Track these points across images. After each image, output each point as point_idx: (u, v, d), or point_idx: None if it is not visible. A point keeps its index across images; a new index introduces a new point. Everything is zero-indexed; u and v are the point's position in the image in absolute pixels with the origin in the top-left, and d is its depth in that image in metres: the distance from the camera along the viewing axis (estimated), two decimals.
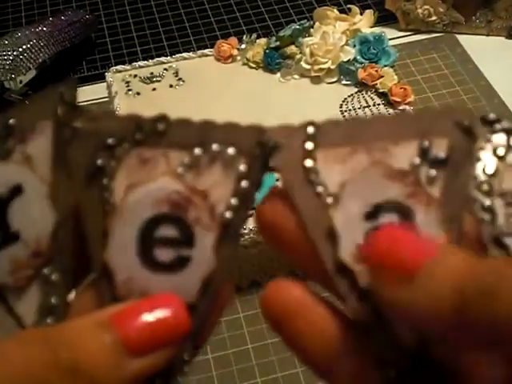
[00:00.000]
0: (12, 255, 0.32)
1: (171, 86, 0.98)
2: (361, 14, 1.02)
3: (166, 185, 0.31)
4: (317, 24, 1.00)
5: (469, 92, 1.07)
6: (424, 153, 0.31)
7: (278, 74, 0.98)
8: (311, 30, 1.00)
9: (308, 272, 0.32)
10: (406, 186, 0.31)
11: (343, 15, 1.02)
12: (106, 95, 1.00)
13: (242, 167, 0.31)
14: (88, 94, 1.10)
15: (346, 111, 0.93)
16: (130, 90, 0.97)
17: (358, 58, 0.97)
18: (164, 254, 0.31)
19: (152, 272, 0.31)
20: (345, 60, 0.96)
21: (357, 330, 0.31)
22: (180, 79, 0.99)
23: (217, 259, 0.31)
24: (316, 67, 0.96)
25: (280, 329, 0.32)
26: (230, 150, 0.32)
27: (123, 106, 0.94)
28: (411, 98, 0.93)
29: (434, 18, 1.15)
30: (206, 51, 1.02)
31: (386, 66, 0.97)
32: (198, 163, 0.31)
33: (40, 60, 1.09)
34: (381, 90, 0.94)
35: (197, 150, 0.31)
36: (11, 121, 0.32)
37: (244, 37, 1.02)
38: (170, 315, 0.29)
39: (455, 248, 0.28)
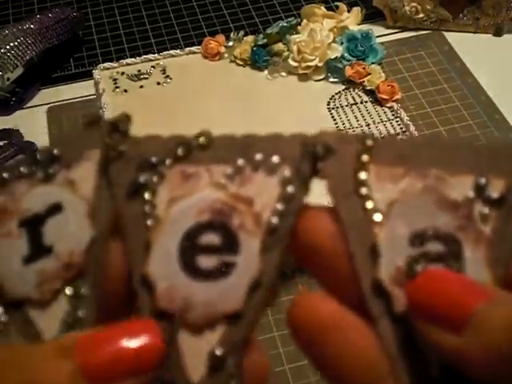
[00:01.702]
0: (41, 268, 0.31)
1: (158, 83, 0.98)
2: (348, 11, 1.02)
3: (208, 194, 0.31)
4: (304, 21, 1.00)
5: (456, 89, 1.08)
6: (479, 189, 0.30)
7: (266, 72, 0.99)
8: (298, 27, 1.00)
9: (337, 289, 0.30)
10: (457, 217, 0.30)
11: (331, 13, 1.02)
12: (94, 92, 0.99)
13: (287, 172, 0.31)
14: (75, 91, 1.10)
15: (333, 108, 0.93)
16: (117, 87, 0.97)
17: (346, 55, 0.97)
18: (207, 261, 0.30)
19: (195, 280, 0.30)
20: (332, 57, 0.96)
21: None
22: (167, 76, 0.99)
23: (263, 264, 0.30)
24: (303, 64, 0.96)
25: (312, 349, 0.30)
26: (274, 158, 0.31)
27: (110, 104, 0.94)
28: (398, 96, 0.93)
29: (421, 15, 1.15)
30: (194, 48, 1.02)
31: (373, 63, 0.97)
32: (242, 173, 0.31)
33: (27, 57, 1.09)
34: (368, 88, 0.94)
35: (240, 161, 0.31)
36: (56, 151, 0.32)
37: (231, 34, 1.02)
38: (142, 346, 0.27)
39: (507, 293, 0.27)
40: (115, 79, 0.98)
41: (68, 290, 0.31)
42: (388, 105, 0.93)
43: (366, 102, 0.94)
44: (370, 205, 0.30)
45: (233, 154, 0.32)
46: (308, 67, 0.96)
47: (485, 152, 0.31)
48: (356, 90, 0.95)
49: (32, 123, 1.05)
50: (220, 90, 0.97)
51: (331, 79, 0.97)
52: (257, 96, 0.95)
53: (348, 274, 0.30)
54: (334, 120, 0.91)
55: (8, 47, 1.06)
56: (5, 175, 0.32)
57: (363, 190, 0.30)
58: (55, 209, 0.31)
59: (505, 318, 0.25)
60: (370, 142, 0.31)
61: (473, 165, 0.31)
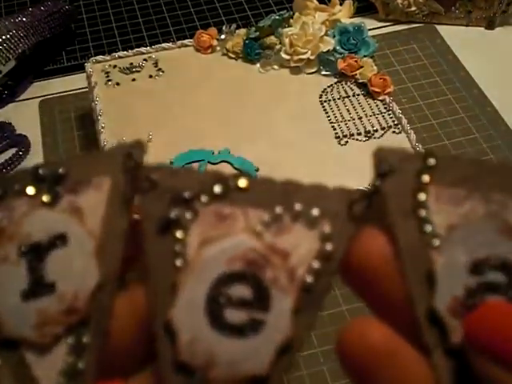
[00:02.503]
0: (42, 307, 0.29)
1: (151, 76, 0.98)
2: (340, 4, 1.02)
3: (242, 242, 0.29)
4: (296, 14, 1.00)
5: (448, 82, 1.08)
6: None
7: (258, 65, 0.98)
8: (291, 20, 1.00)
9: (389, 314, 0.29)
10: None
11: (323, 6, 1.01)
12: (86, 85, 0.99)
13: (327, 228, 0.30)
14: (67, 84, 1.10)
15: (325, 101, 0.93)
16: (109, 80, 0.97)
17: (338, 48, 0.97)
18: (235, 316, 0.29)
19: (220, 334, 0.29)
20: (324, 50, 0.96)
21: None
22: (159, 70, 0.98)
23: (294, 326, 0.29)
24: (295, 57, 0.96)
25: (361, 376, 0.28)
26: (315, 211, 0.30)
27: (102, 97, 0.94)
28: (391, 89, 0.93)
29: (413, 8, 1.16)
30: (186, 42, 1.02)
31: (365, 56, 0.97)
32: (279, 222, 0.30)
33: (19, 50, 1.08)
34: (360, 81, 0.94)
35: (278, 209, 0.30)
36: (61, 169, 0.31)
37: (224, 27, 1.02)
38: None
39: None
40: (107, 72, 0.98)
41: (69, 339, 0.29)
42: (380, 98, 0.93)
43: (358, 94, 0.94)
44: (428, 228, 0.29)
45: (272, 200, 0.30)
46: (300, 60, 0.96)
47: None
48: (348, 83, 0.95)
49: (24, 116, 1.05)
50: (212, 83, 0.96)
51: (323, 72, 0.97)
52: (249, 89, 0.95)
53: (401, 300, 0.29)
54: (326, 113, 0.91)
55: (0, 40, 1.06)
56: (2, 190, 0.31)
57: (422, 212, 0.29)
58: (59, 240, 0.30)
59: None
60: (432, 161, 0.30)
61: None
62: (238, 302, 0.29)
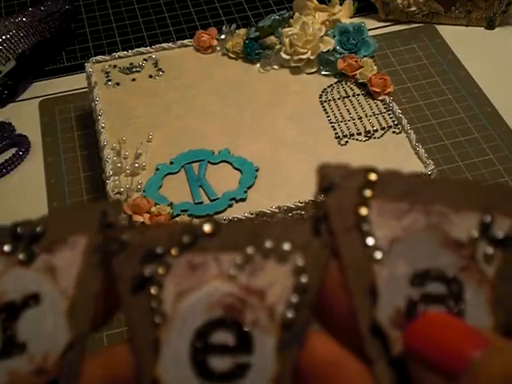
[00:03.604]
0: (12, 367, 0.29)
1: (151, 76, 0.98)
2: (340, 4, 1.02)
3: (218, 288, 0.29)
4: (296, 14, 1.00)
5: (448, 82, 1.08)
6: (484, 228, 0.29)
7: (258, 65, 0.98)
8: (291, 20, 1.00)
9: (336, 328, 0.30)
10: (460, 257, 0.29)
11: (323, 6, 1.02)
12: (86, 85, 0.99)
13: (300, 261, 0.29)
14: (67, 84, 1.10)
15: (325, 101, 0.93)
16: (109, 80, 0.97)
17: (338, 48, 0.97)
18: (220, 363, 0.29)
19: (208, 383, 0.29)
20: (324, 50, 0.96)
21: None
22: (159, 69, 0.98)
23: (279, 364, 0.29)
24: (295, 57, 0.96)
25: None
26: (285, 246, 0.30)
27: (102, 97, 0.94)
28: (391, 89, 0.93)
29: (413, 8, 1.16)
30: (186, 42, 1.02)
31: (365, 56, 0.97)
32: (252, 262, 0.30)
33: (19, 50, 1.08)
34: (360, 81, 0.94)
35: (249, 249, 0.30)
36: (39, 228, 0.31)
37: (224, 27, 1.02)
38: None
39: (505, 341, 0.26)
40: (107, 72, 0.98)
41: None
42: (380, 98, 0.93)
43: (358, 94, 0.94)
44: (370, 241, 0.29)
45: (241, 241, 0.30)
46: (300, 60, 0.96)
47: (491, 190, 0.30)
48: (348, 83, 0.95)
49: (24, 116, 1.05)
50: (212, 83, 0.96)
51: (323, 72, 0.97)
52: (249, 89, 0.95)
53: (346, 313, 0.29)
54: (326, 113, 0.91)
55: (0, 40, 1.06)
56: None
57: (364, 226, 0.30)
58: (33, 299, 0.30)
59: (502, 367, 0.25)
60: (373, 177, 0.30)
61: (478, 202, 0.30)
62: (221, 349, 0.29)
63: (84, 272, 0.30)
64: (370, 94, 0.93)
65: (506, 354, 0.25)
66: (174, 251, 0.30)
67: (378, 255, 0.29)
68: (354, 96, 0.94)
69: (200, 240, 0.30)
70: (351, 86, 0.95)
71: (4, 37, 1.07)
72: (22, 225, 0.31)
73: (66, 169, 0.98)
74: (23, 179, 0.97)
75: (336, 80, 0.96)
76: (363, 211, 0.30)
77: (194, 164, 0.85)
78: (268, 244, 0.30)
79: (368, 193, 0.30)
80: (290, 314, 0.29)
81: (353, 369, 0.28)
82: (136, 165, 0.84)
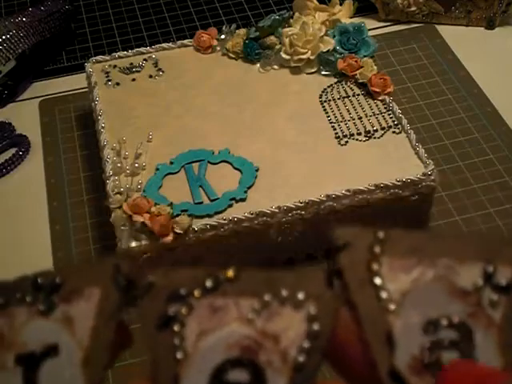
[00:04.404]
0: None
1: (151, 76, 0.98)
2: (340, 4, 1.02)
3: (236, 330, 0.32)
4: (296, 14, 1.00)
5: (448, 82, 1.08)
6: (488, 277, 0.32)
7: (258, 65, 0.98)
8: (291, 20, 1.00)
9: (350, 373, 0.32)
10: (467, 305, 0.31)
11: (323, 6, 1.02)
12: (86, 86, 0.99)
13: (312, 310, 0.32)
14: (68, 84, 1.11)
15: (325, 101, 0.93)
16: (109, 80, 0.97)
17: (338, 48, 0.97)
18: None
19: None
20: (324, 50, 0.96)
21: None
22: (159, 70, 0.98)
23: None
24: (295, 57, 0.96)
25: None
26: (300, 295, 0.32)
27: (102, 97, 0.94)
28: (391, 89, 0.93)
29: (413, 8, 1.16)
30: (186, 42, 1.02)
31: (365, 56, 0.97)
32: (268, 308, 0.32)
33: (19, 50, 1.08)
34: (360, 81, 0.94)
35: (266, 296, 0.32)
36: (58, 279, 0.33)
37: (224, 27, 1.02)
38: None
39: None
40: (107, 72, 0.98)
41: None
42: (380, 98, 0.92)
43: (358, 94, 0.94)
44: (384, 295, 0.32)
45: (260, 288, 0.32)
46: (300, 60, 0.97)
47: (491, 240, 0.33)
48: (348, 83, 0.95)
49: (24, 116, 1.05)
50: (212, 83, 0.97)
51: (323, 72, 0.97)
52: (249, 89, 0.95)
53: (361, 361, 0.31)
54: (326, 113, 0.91)
55: (0, 40, 1.06)
56: (3, 300, 0.33)
57: (377, 280, 0.32)
58: (52, 350, 0.32)
59: None
60: (381, 235, 0.33)
61: (480, 253, 0.32)
62: None
63: (98, 323, 0.32)
64: (370, 94, 0.93)
65: None
66: (197, 293, 0.32)
67: (392, 307, 0.31)
68: (353, 96, 0.94)
69: (222, 284, 0.32)
70: (351, 85, 0.95)
71: (4, 37, 1.07)
72: (42, 275, 0.33)
73: (65, 169, 0.98)
74: (23, 179, 0.97)
75: (336, 80, 0.96)
76: (375, 266, 0.32)
77: (193, 164, 0.85)
78: (284, 292, 0.32)
79: (378, 249, 0.32)
80: (301, 358, 0.31)
81: None
82: (136, 165, 0.84)
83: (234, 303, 0.32)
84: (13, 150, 1.00)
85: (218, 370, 0.31)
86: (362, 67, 0.95)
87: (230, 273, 0.33)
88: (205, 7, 1.24)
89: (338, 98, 0.93)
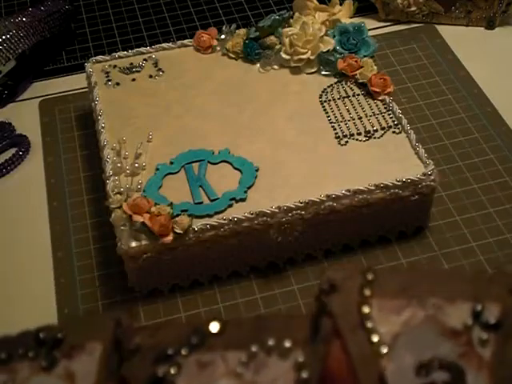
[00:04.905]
0: None
1: (151, 76, 0.98)
2: (340, 4, 1.02)
3: None
4: (296, 14, 1.00)
5: (448, 82, 1.08)
6: (477, 315, 0.32)
7: (258, 65, 0.98)
8: (291, 20, 1.00)
9: None
10: (458, 345, 0.31)
11: (323, 6, 1.02)
12: (86, 86, 0.99)
13: (300, 357, 0.32)
14: (68, 84, 1.11)
15: (325, 101, 0.93)
16: (109, 80, 0.97)
17: (338, 48, 0.97)
18: None
19: None
20: (324, 50, 0.96)
21: None
22: (159, 69, 0.98)
23: None
24: (295, 57, 0.96)
25: None
26: (287, 343, 0.32)
27: (102, 97, 0.94)
28: (391, 89, 0.93)
29: (413, 8, 1.16)
30: (186, 42, 1.02)
31: (365, 56, 0.97)
32: (256, 359, 0.32)
33: (19, 50, 1.09)
34: (360, 81, 0.94)
35: (253, 347, 0.32)
36: (59, 334, 0.33)
37: (224, 27, 1.02)
38: None
39: None
40: (107, 72, 0.98)
41: None
42: (380, 98, 0.92)
43: (358, 94, 0.94)
44: (375, 338, 0.32)
45: (246, 340, 0.32)
46: (300, 60, 0.97)
47: (479, 278, 0.33)
48: (348, 83, 0.95)
49: (24, 116, 1.05)
50: (212, 83, 0.97)
51: (323, 72, 0.97)
52: (249, 89, 0.95)
53: None
54: (326, 113, 0.91)
55: (0, 40, 1.06)
56: (5, 355, 0.32)
57: (368, 324, 0.32)
58: None
59: None
60: (370, 276, 0.33)
61: (469, 292, 0.32)
62: None
63: (100, 378, 0.32)
64: (370, 94, 0.93)
65: None
66: (184, 351, 0.32)
67: (384, 350, 0.32)
68: (354, 96, 0.94)
69: (207, 339, 0.32)
70: (351, 85, 0.95)
71: (4, 37, 1.07)
72: (44, 330, 0.33)
73: (65, 169, 0.98)
74: (23, 179, 0.97)
75: (336, 80, 0.96)
76: (365, 309, 0.32)
77: (194, 164, 0.85)
78: (270, 342, 0.32)
79: (367, 292, 0.33)
80: None
81: None
82: (136, 165, 0.84)
83: (221, 358, 0.32)
84: (13, 150, 1.00)
85: None
86: (362, 67, 0.95)
87: (214, 327, 0.33)
88: (205, 7, 1.24)
89: (338, 98, 0.93)
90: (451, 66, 1.10)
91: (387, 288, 0.32)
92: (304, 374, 0.31)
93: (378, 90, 0.92)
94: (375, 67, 0.95)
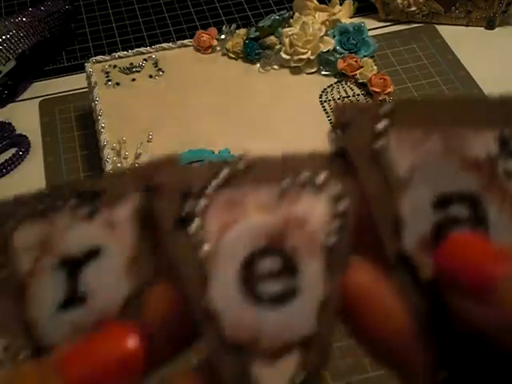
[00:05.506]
0: (73, 319, 0.30)
1: (151, 76, 0.98)
2: (340, 4, 1.02)
3: (258, 219, 0.30)
4: (296, 14, 1.00)
5: (448, 82, 1.08)
6: (504, 143, 0.29)
7: (258, 65, 0.99)
8: (291, 20, 1.00)
9: (366, 257, 0.30)
10: (480, 177, 0.29)
11: (323, 6, 1.02)
12: (86, 86, 0.99)
13: (336, 189, 0.30)
14: (68, 84, 1.10)
15: (325, 101, 0.93)
16: (109, 80, 0.97)
17: (338, 48, 0.97)
18: (269, 288, 0.29)
19: (260, 308, 0.29)
20: (324, 50, 0.97)
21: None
22: (159, 70, 0.98)
23: (327, 285, 0.29)
24: (295, 57, 0.96)
25: (346, 314, 0.30)
26: (321, 176, 0.31)
27: (102, 97, 0.94)
28: (391, 89, 0.93)
29: (413, 8, 1.16)
30: (186, 42, 1.02)
31: (365, 56, 0.97)
32: (288, 193, 0.30)
33: (19, 50, 1.08)
34: (360, 81, 0.95)
35: (285, 181, 0.31)
36: (99, 185, 0.32)
37: (224, 27, 1.02)
38: (121, 352, 0.28)
39: None
40: (107, 72, 0.98)
41: None
42: (380, 98, 0.93)
43: (358, 95, 0.94)
44: (392, 171, 0.30)
45: (277, 174, 0.31)
46: (300, 60, 0.97)
47: (508, 104, 0.30)
48: (348, 83, 0.95)
49: (24, 116, 1.05)
50: (212, 83, 0.97)
51: (323, 72, 0.97)
52: (249, 89, 0.95)
53: (376, 244, 0.30)
54: (327, 113, 0.91)
55: (0, 40, 1.06)
56: (44, 205, 0.31)
57: (384, 157, 0.30)
58: (94, 254, 0.31)
59: None
60: (389, 107, 0.30)
61: (497, 117, 0.30)
62: (268, 275, 0.29)
63: (140, 228, 0.31)
64: (370, 94, 0.93)
65: None
66: (211, 188, 0.30)
67: (399, 184, 0.29)
68: (354, 96, 0.94)
69: (236, 176, 0.31)
70: (351, 86, 0.95)
71: (4, 37, 1.07)
72: (83, 182, 0.32)
73: (65, 169, 0.98)
74: (23, 179, 0.97)
75: (336, 80, 0.96)
76: (382, 141, 0.30)
77: (194, 164, 0.85)
78: (303, 175, 0.31)
79: (383, 123, 0.30)
80: (329, 239, 0.29)
81: (389, 297, 0.29)
82: (136, 165, 0.84)
83: (252, 193, 0.30)
84: (13, 150, 1.00)
85: (246, 263, 0.29)
86: (362, 67, 0.95)
87: (243, 163, 0.32)
88: (205, 7, 1.24)
89: (338, 98, 0.93)
90: (451, 66, 1.10)
91: (407, 118, 0.30)
92: (341, 206, 0.30)
93: (378, 90, 0.92)
94: (375, 67, 0.95)
